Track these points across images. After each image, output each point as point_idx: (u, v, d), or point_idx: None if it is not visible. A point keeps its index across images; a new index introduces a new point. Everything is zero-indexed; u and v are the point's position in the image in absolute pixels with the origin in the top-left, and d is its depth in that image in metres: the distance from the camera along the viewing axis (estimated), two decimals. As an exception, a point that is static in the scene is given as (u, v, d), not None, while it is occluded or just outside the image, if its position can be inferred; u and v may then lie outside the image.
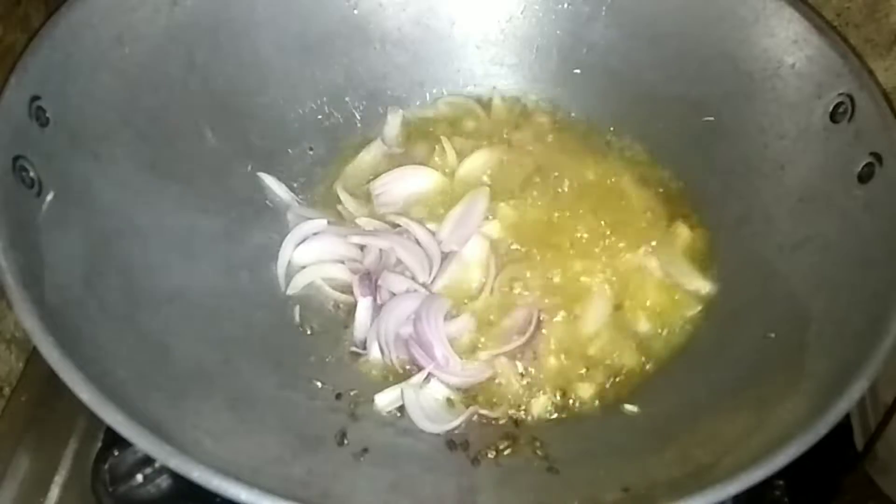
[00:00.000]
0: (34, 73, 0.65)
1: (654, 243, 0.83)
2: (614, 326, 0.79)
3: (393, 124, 0.92)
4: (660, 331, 0.78)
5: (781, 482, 0.70)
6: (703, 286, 0.79)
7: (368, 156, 0.91)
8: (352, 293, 0.79)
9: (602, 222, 0.85)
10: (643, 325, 0.78)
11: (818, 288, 0.69)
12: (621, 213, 0.86)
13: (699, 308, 0.79)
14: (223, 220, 0.80)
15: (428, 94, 0.95)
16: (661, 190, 0.87)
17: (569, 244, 0.83)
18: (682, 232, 0.85)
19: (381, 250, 0.82)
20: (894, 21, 0.83)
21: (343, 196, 0.87)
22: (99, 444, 0.73)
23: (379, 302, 0.79)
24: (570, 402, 0.75)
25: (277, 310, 0.79)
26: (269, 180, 0.86)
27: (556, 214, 0.85)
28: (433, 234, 0.83)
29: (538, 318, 0.78)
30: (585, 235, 0.83)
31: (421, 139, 0.93)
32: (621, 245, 0.83)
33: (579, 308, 0.79)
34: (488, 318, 0.79)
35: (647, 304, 0.79)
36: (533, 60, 0.93)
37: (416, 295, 0.78)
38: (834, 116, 0.73)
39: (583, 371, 0.76)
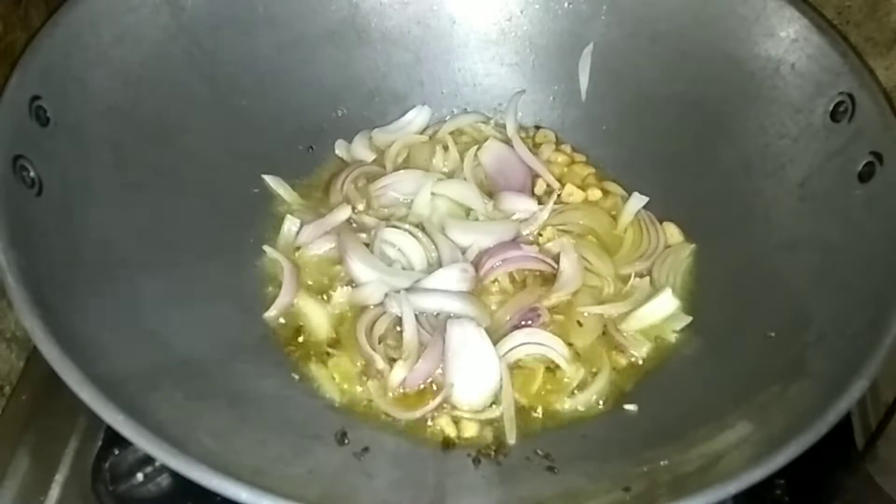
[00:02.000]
0: (35, 73, 0.65)
1: (649, 260, 0.84)
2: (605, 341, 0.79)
3: (361, 145, 0.93)
4: (650, 343, 0.79)
5: (782, 481, 0.70)
6: (684, 319, 0.79)
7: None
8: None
9: (598, 237, 0.87)
10: (637, 344, 0.78)
11: (818, 288, 0.69)
12: (615, 229, 0.87)
13: (687, 323, 0.79)
14: (224, 219, 0.80)
15: (428, 95, 0.95)
16: (659, 191, 0.87)
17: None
18: (674, 232, 0.86)
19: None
20: (895, 20, 0.83)
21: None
22: (99, 444, 0.73)
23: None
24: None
25: (279, 309, 0.79)
26: (271, 180, 0.86)
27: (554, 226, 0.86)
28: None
29: (537, 312, 0.79)
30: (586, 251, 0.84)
31: (423, 143, 0.93)
32: (616, 259, 0.85)
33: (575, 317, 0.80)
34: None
35: (637, 320, 0.80)
36: (533, 60, 0.93)
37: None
38: (834, 115, 0.73)
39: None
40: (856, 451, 0.78)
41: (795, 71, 0.77)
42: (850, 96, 0.71)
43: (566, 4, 0.90)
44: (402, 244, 0.82)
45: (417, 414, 0.72)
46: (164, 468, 0.68)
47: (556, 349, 0.76)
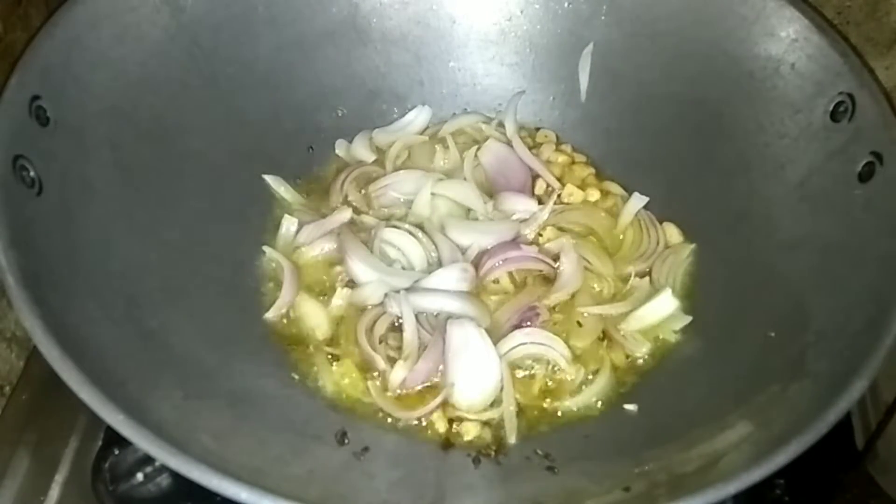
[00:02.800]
0: (35, 73, 0.65)
1: (649, 260, 0.84)
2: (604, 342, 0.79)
3: (361, 145, 0.92)
4: (650, 343, 0.79)
5: (782, 481, 0.70)
6: (683, 319, 0.79)
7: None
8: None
9: (598, 237, 0.87)
10: (636, 344, 0.78)
11: (818, 288, 0.69)
12: (615, 229, 0.87)
13: (687, 323, 0.79)
14: (225, 219, 0.80)
15: (428, 95, 0.95)
16: (659, 191, 0.87)
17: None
18: (674, 232, 0.86)
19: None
20: (895, 20, 0.83)
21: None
22: (99, 443, 0.73)
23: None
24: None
25: (279, 309, 0.79)
26: (271, 180, 0.86)
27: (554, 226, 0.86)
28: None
29: (536, 312, 0.79)
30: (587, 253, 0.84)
31: (423, 143, 0.93)
32: (616, 259, 0.85)
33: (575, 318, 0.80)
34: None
35: (637, 320, 0.79)
36: (533, 60, 0.93)
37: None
38: (834, 115, 0.73)
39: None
40: (856, 451, 0.78)
41: (795, 71, 0.77)
42: (850, 96, 0.71)
43: (566, 4, 0.90)
44: (402, 244, 0.82)
45: (417, 414, 0.72)
46: (164, 468, 0.67)
47: (556, 349, 0.76)
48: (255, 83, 0.85)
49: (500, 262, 0.81)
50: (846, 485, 0.75)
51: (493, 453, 0.70)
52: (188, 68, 0.79)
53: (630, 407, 0.73)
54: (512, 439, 0.71)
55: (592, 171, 0.92)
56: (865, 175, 0.69)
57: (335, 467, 0.65)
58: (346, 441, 0.67)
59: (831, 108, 0.73)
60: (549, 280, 0.82)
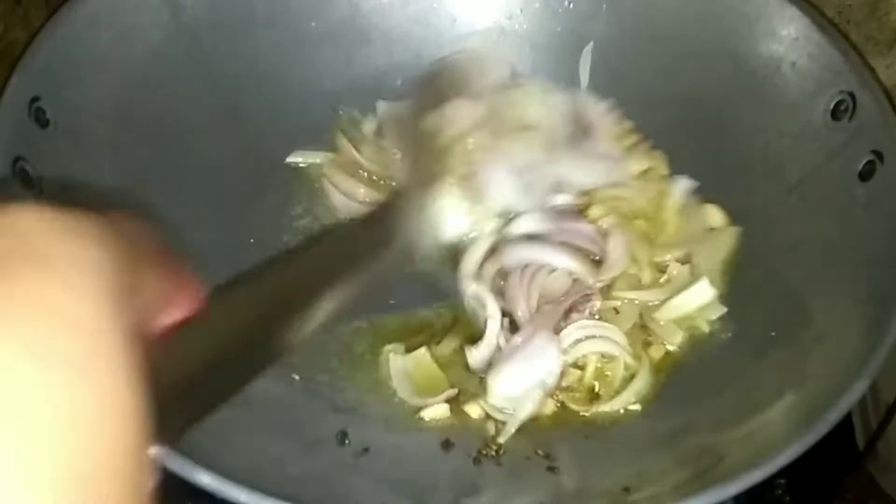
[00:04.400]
0: (34, 74, 0.65)
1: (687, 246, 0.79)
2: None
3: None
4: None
5: (783, 481, 0.70)
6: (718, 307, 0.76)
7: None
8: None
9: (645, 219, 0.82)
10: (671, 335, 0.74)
11: (818, 288, 0.69)
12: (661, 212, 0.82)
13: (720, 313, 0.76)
14: (224, 220, 0.80)
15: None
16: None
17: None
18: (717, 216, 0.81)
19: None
20: (895, 19, 0.82)
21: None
22: (100, 444, 0.73)
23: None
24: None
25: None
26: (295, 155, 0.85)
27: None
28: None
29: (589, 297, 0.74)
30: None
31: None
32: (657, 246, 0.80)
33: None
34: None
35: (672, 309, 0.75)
36: (533, 59, 0.93)
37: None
38: (835, 114, 0.73)
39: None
40: (856, 451, 0.78)
41: (796, 69, 0.76)
42: (851, 95, 0.71)
43: (566, 3, 0.90)
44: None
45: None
46: (163, 468, 0.67)
47: (616, 340, 0.70)
48: (256, 83, 0.85)
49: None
50: (847, 485, 0.75)
51: (493, 453, 0.70)
52: (188, 68, 0.79)
53: (633, 407, 0.73)
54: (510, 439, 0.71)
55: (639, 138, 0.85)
56: (866, 174, 0.69)
57: (335, 468, 0.65)
58: (347, 441, 0.67)
59: (832, 106, 0.73)
60: (596, 263, 0.76)
